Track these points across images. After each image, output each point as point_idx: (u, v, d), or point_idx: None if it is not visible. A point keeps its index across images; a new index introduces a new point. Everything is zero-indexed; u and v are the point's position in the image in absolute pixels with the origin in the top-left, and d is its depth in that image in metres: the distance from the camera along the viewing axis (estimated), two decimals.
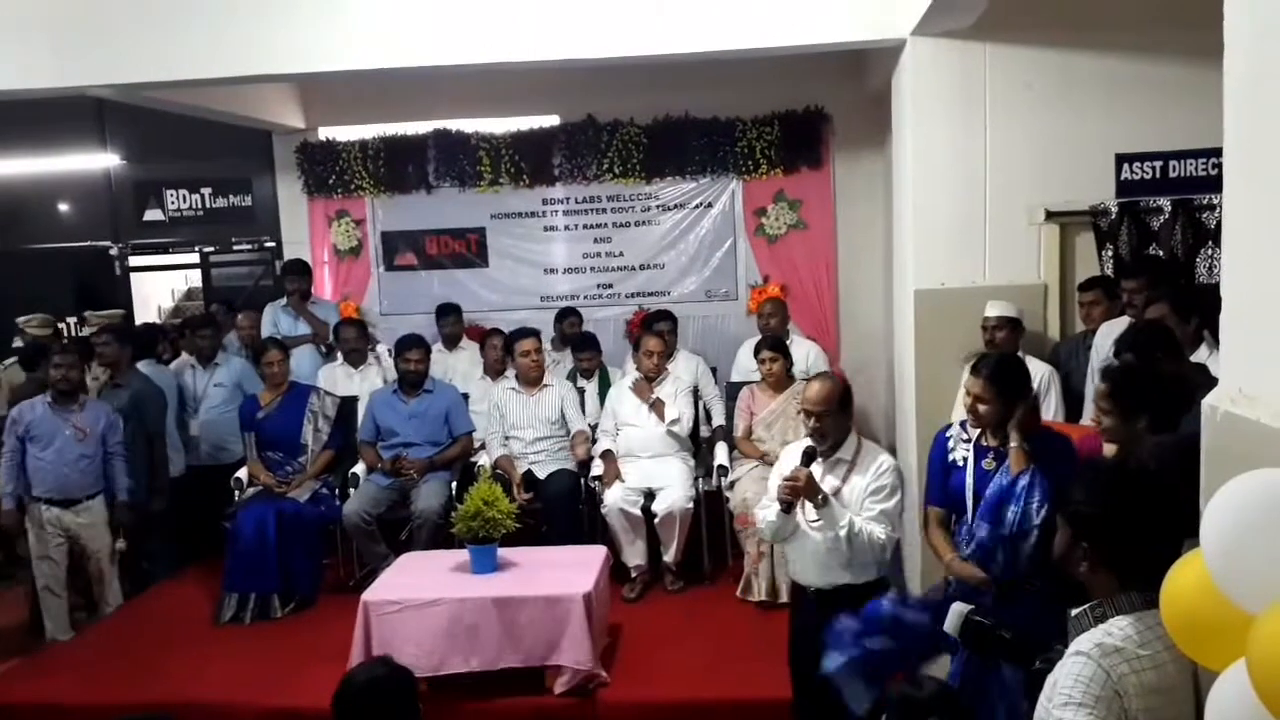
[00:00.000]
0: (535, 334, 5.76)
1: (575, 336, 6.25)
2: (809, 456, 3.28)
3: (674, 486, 5.22)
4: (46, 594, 5.08)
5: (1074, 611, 2.04)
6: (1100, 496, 2.04)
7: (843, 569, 3.28)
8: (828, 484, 3.29)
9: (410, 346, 5.67)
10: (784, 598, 4.86)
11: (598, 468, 5.43)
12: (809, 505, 3.27)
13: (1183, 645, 1.70)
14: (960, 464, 3.19)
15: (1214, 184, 2.36)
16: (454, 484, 5.43)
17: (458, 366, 6.42)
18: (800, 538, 3.35)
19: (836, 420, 3.33)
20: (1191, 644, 1.67)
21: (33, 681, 4.58)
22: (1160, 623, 1.75)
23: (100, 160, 7.80)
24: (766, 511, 3.37)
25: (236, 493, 5.48)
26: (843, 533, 3.20)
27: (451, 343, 6.56)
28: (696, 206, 6.94)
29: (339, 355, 6.34)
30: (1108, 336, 4.36)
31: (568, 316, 6.52)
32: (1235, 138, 1.89)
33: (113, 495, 5.18)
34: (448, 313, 6.59)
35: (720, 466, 5.41)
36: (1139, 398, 2.85)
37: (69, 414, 5.06)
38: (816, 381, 3.43)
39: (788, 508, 3.27)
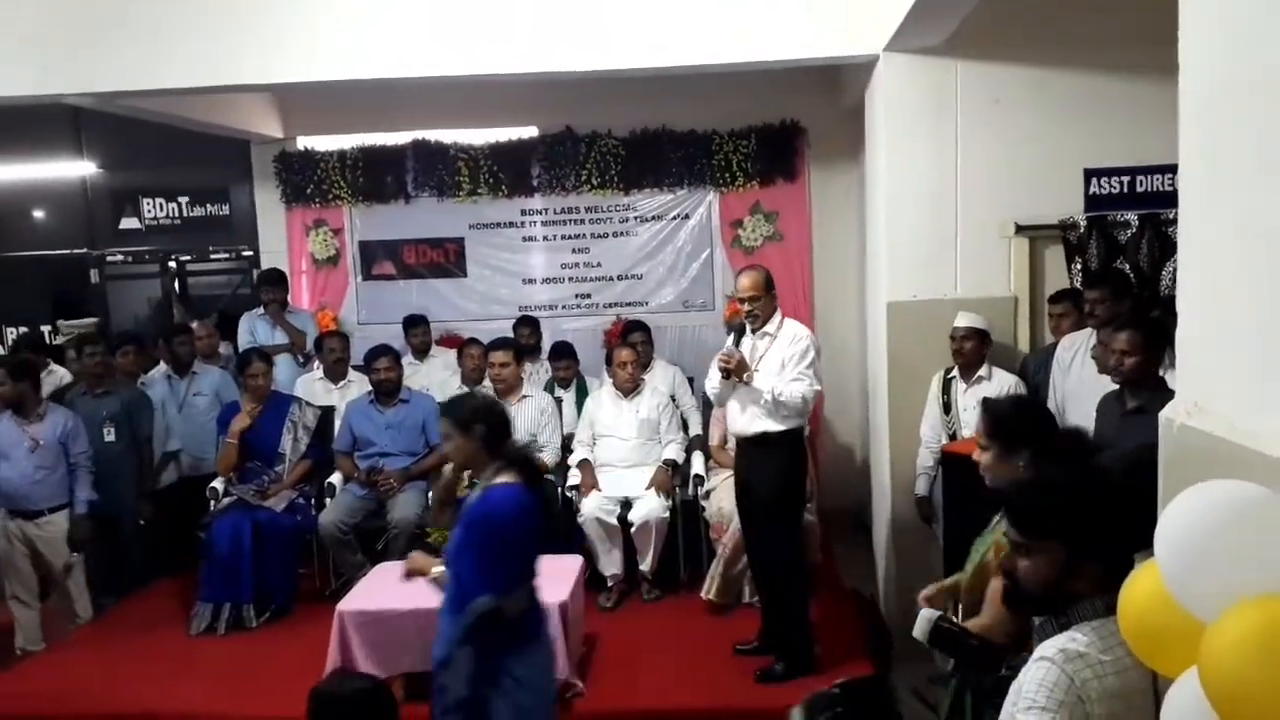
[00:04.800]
0: (508, 345, 5.74)
1: (529, 347, 6.28)
2: (739, 333, 4.21)
3: (650, 496, 5.24)
4: (16, 604, 5.03)
5: (1038, 619, 2.07)
6: (1110, 511, 2.04)
7: (765, 420, 4.15)
8: (757, 350, 4.20)
9: (378, 356, 5.66)
10: (747, 597, 5.02)
11: (574, 477, 5.45)
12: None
13: (1139, 652, 1.73)
14: None
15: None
16: (430, 493, 5.43)
17: (432, 375, 6.43)
18: (736, 398, 4.23)
19: (765, 303, 4.18)
20: (1147, 651, 1.70)
21: (2, 693, 4.54)
22: None
23: (77, 168, 7.76)
24: (712, 382, 4.29)
25: (212, 502, 5.45)
26: (767, 398, 4.08)
27: (421, 353, 6.57)
28: (674, 218, 6.98)
29: (316, 366, 6.33)
30: (1069, 349, 4.43)
31: (522, 327, 6.52)
32: (1190, 156, 1.95)
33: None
34: (416, 323, 6.61)
35: (696, 476, 5.43)
36: (1019, 432, 2.86)
37: (26, 425, 4.99)
38: (745, 274, 4.26)
39: (726, 375, 4.16)
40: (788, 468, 4.25)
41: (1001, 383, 4.58)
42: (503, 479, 2.99)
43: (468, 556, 2.93)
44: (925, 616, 2.71)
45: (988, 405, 3.00)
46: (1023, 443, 2.82)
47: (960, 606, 3.07)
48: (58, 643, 5.09)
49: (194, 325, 6.50)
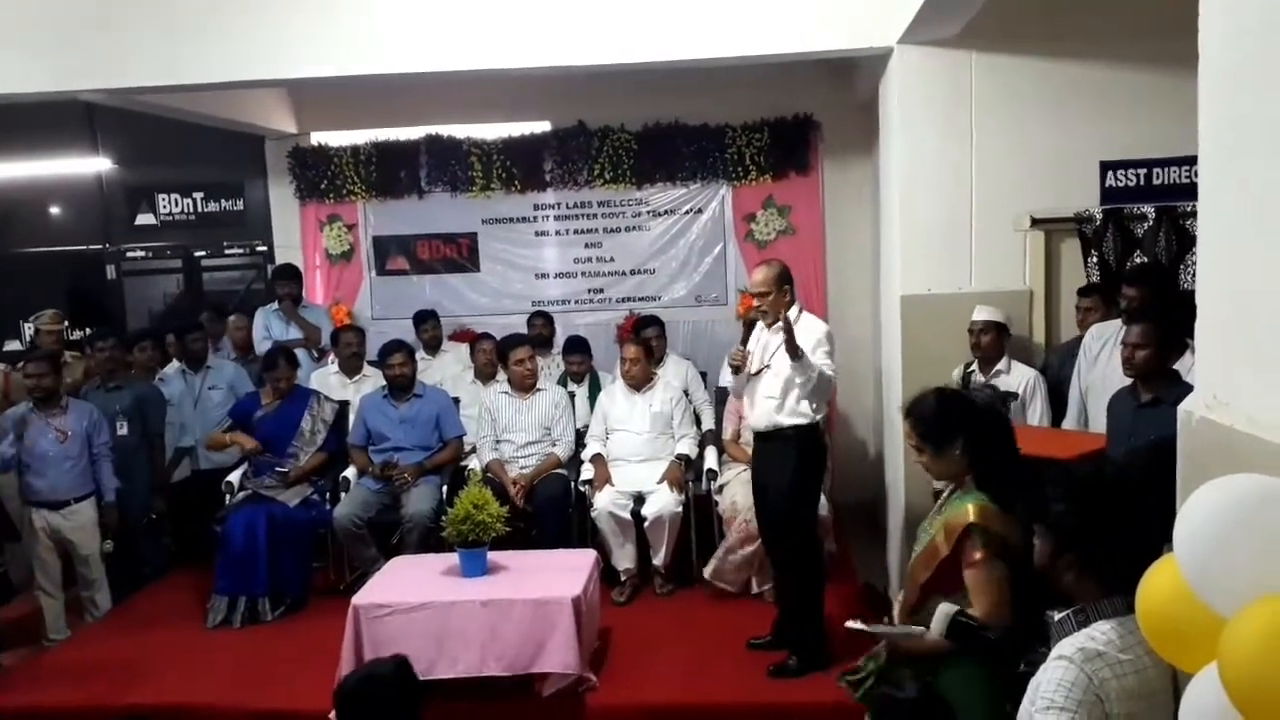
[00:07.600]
0: (528, 342, 5.78)
1: (541, 338, 6.31)
2: (750, 327, 4.32)
3: (663, 491, 5.24)
4: (42, 594, 5.11)
5: (1056, 616, 2.06)
6: (1080, 504, 2.06)
7: (776, 414, 4.17)
8: (770, 345, 4.20)
9: (392, 352, 5.68)
10: (755, 589, 5.07)
11: (588, 472, 5.45)
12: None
13: (1158, 648, 1.72)
14: None
15: (1197, 191, 2.37)
16: (444, 488, 5.44)
17: (444, 370, 6.45)
18: (750, 392, 4.30)
19: (775, 299, 4.13)
20: (1166, 647, 1.69)
21: (23, 685, 4.58)
22: None
23: (92, 164, 7.78)
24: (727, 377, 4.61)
25: (227, 496, 5.48)
26: (811, 375, 4.00)
27: (432, 348, 6.59)
28: (687, 212, 6.97)
29: (331, 360, 6.35)
30: (1097, 339, 4.38)
31: (536, 319, 6.58)
32: (1209, 147, 1.92)
33: (101, 496, 5.18)
34: (425, 319, 6.63)
35: (709, 470, 5.43)
36: (947, 426, 2.82)
37: (50, 417, 5.07)
38: (760, 268, 4.29)
39: (735, 370, 4.31)
40: (800, 463, 4.24)
41: (1020, 376, 4.56)
42: None
43: None
44: (943, 611, 2.70)
45: (909, 410, 2.92)
46: (953, 434, 2.81)
47: (904, 593, 3.01)
48: (78, 633, 5.15)
49: (232, 318, 6.62)
